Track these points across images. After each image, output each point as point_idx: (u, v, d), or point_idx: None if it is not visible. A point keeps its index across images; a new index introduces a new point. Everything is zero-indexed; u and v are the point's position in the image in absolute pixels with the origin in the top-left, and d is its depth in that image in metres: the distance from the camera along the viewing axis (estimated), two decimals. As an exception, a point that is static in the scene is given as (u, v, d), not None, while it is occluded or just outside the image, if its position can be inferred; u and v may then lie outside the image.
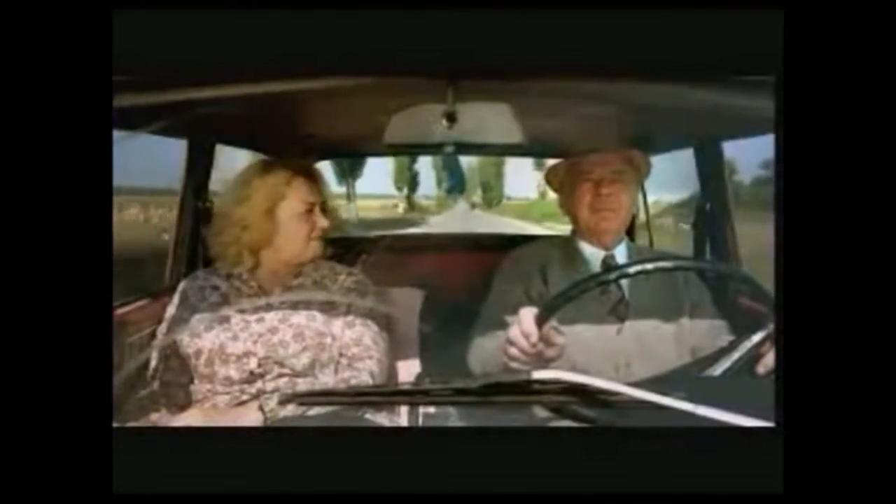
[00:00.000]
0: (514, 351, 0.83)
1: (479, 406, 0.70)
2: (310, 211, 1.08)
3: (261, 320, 1.06)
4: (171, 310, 1.12)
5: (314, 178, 1.11)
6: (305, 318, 1.07)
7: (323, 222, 1.09)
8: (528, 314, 0.82)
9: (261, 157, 1.31)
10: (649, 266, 0.82)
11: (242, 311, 1.07)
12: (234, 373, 1.02)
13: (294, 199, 1.07)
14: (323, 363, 1.06)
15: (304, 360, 1.04)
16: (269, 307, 1.07)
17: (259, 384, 1.03)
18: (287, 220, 1.07)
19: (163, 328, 1.12)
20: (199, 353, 1.04)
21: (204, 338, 1.04)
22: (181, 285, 1.14)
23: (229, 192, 1.11)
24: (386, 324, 1.15)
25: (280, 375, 1.03)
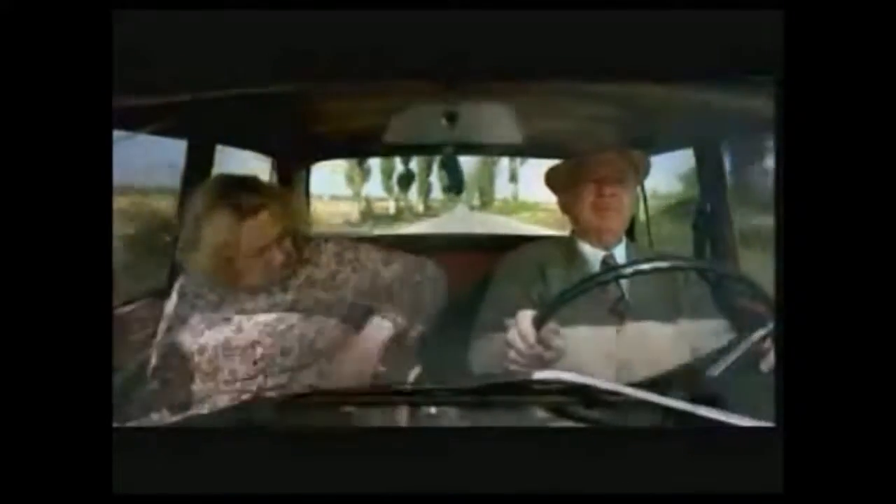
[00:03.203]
0: (512, 354, 0.83)
1: (479, 406, 0.70)
2: (262, 252, 1.02)
3: (266, 312, 1.06)
4: (169, 307, 1.12)
5: (268, 213, 1.01)
6: (309, 311, 1.07)
7: (279, 257, 1.03)
8: (525, 317, 0.83)
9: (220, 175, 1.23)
10: (645, 266, 0.82)
11: (243, 310, 1.07)
12: (238, 365, 1.02)
13: (244, 247, 1.00)
14: (328, 351, 1.06)
15: (308, 351, 1.04)
16: (272, 305, 1.07)
17: (260, 380, 1.03)
18: (242, 262, 1.02)
19: (163, 326, 1.12)
20: (202, 349, 1.04)
21: (206, 334, 1.04)
22: (179, 282, 1.14)
23: (185, 232, 1.03)
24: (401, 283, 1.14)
25: (282, 370, 1.03)
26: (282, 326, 1.04)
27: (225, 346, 1.03)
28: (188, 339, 1.05)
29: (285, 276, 1.09)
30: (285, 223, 1.04)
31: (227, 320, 1.05)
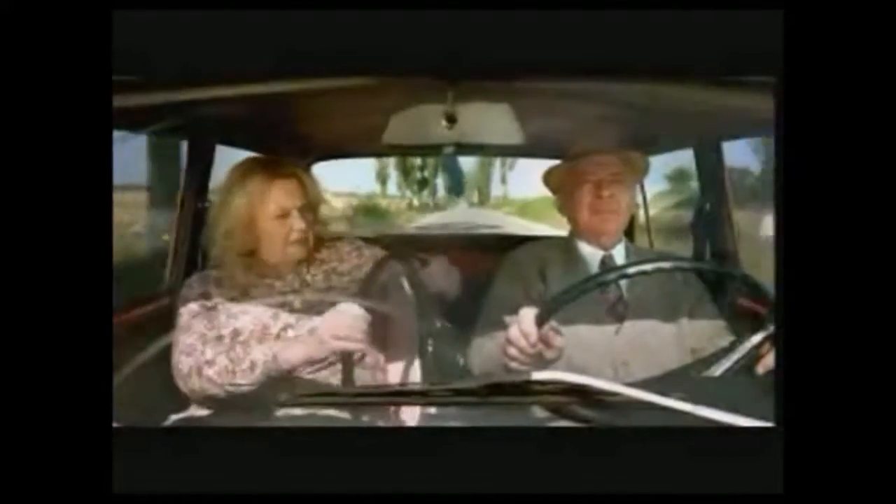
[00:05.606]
0: (513, 351, 0.83)
1: (479, 406, 0.70)
2: (286, 215, 1.06)
3: (290, 300, 1.07)
4: (188, 292, 1.09)
5: (297, 181, 1.08)
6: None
7: (300, 224, 1.07)
8: (527, 314, 0.83)
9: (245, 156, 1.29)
10: (647, 267, 0.82)
11: (269, 297, 1.07)
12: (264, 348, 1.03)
13: (270, 204, 1.05)
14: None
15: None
16: (296, 294, 1.08)
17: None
18: (264, 226, 1.06)
19: (192, 308, 1.08)
20: (236, 333, 1.03)
21: (241, 318, 1.04)
22: (196, 275, 1.13)
23: (214, 201, 1.11)
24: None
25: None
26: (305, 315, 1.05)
27: (262, 331, 1.03)
28: (222, 321, 1.04)
29: (304, 266, 1.11)
30: (309, 196, 1.09)
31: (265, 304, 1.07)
